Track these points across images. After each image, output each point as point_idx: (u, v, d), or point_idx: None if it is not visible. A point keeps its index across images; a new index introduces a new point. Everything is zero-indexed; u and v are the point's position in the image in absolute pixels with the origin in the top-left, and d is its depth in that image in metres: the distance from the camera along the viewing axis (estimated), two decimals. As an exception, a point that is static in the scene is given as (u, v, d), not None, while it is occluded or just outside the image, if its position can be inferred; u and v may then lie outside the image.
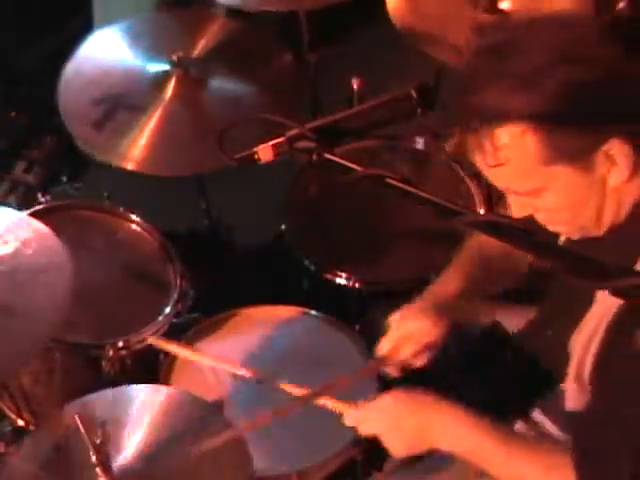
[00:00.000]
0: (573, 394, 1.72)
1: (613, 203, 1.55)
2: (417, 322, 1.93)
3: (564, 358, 1.73)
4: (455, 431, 1.73)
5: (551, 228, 1.63)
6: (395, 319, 1.95)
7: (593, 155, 1.48)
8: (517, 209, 1.58)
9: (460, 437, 1.72)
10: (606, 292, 1.47)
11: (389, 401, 1.81)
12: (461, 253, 2.02)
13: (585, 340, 1.65)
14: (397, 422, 1.77)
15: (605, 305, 1.60)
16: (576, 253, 1.41)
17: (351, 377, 2.04)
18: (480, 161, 1.51)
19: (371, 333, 2.34)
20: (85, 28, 3.33)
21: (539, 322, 1.93)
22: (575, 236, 1.64)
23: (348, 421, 1.86)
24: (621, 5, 2.14)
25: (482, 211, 2.59)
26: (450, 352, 2.03)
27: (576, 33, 1.47)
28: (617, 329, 1.56)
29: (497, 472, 1.72)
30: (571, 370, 1.72)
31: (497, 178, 1.55)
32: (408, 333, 1.93)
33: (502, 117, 1.44)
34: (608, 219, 1.58)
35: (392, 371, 1.98)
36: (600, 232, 1.60)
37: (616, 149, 1.47)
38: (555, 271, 1.62)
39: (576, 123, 1.45)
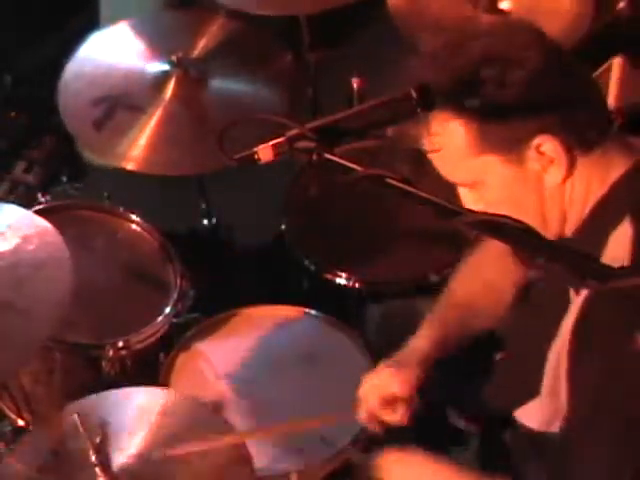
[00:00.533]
0: (545, 408, 1.72)
1: (555, 204, 1.58)
2: (384, 373, 1.92)
3: (538, 371, 1.74)
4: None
5: None
6: (364, 379, 1.95)
7: (523, 149, 1.52)
8: (468, 202, 1.63)
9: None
10: (579, 300, 1.52)
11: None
12: (444, 295, 2.02)
13: (557, 351, 1.65)
14: None
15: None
16: (576, 253, 1.41)
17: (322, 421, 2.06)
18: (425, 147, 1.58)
19: (371, 333, 2.35)
20: (86, 28, 3.34)
21: (519, 333, 1.93)
22: None
23: None
24: (621, 5, 2.15)
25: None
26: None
27: (516, 39, 1.52)
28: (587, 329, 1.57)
29: None
30: (545, 383, 1.72)
31: (438, 166, 1.61)
32: (371, 385, 1.92)
33: (432, 105, 1.48)
34: (554, 222, 1.60)
35: (372, 426, 1.95)
36: (552, 235, 1.61)
37: (547, 146, 1.50)
38: (550, 273, 1.63)
39: (498, 116, 1.49)
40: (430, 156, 1.60)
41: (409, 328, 2.05)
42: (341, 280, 2.48)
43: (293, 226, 2.62)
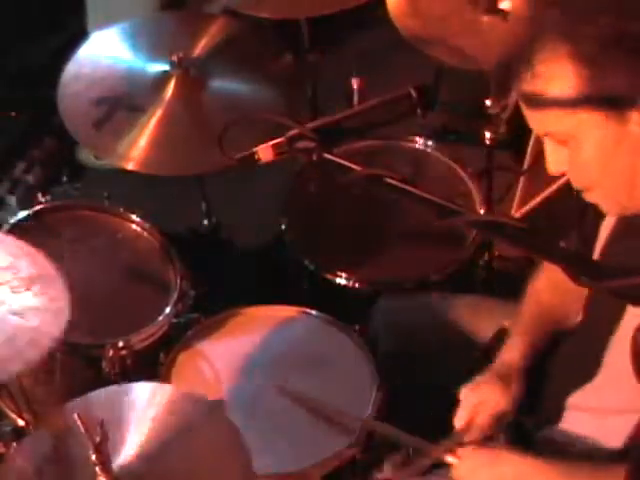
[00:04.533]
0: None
1: None
2: (488, 390, 1.89)
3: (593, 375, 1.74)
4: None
5: (587, 198, 1.61)
6: (466, 391, 1.91)
7: (628, 108, 1.46)
8: (552, 162, 1.58)
9: None
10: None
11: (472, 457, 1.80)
12: (521, 309, 1.99)
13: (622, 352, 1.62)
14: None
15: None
16: (577, 253, 1.41)
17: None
18: (520, 95, 1.52)
19: (371, 333, 2.35)
20: (85, 28, 3.34)
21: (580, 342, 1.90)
22: (612, 210, 1.62)
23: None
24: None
25: (482, 211, 2.59)
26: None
27: None
28: None
29: None
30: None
31: (531, 115, 1.54)
32: (481, 401, 1.88)
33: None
34: None
35: (466, 437, 1.90)
36: (635, 206, 1.57)
37: None
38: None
39: (613, 66, 1.44)
40: (524, 101, 1.53)
41: (410, 327, 2.07)
42: (341, 280, 2.48)
43: (293, 226, 2.62)
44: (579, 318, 1.86)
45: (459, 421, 1.89)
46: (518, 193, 2.92)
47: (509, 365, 1.91)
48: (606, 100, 1.47)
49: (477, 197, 2.65)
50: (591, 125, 1.49)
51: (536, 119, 1.55)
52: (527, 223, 1.52)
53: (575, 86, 1.47)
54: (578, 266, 1.37)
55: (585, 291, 1.80)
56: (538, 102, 1.51)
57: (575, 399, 1.80)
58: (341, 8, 2.63)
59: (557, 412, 1.84)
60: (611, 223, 1.72)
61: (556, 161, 1.58)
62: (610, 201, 1.61)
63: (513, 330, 1.97)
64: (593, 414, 1.77)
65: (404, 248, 2.57)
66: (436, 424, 1.98)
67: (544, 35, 1.49)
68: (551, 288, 1.95)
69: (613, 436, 1.71)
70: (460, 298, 2.29)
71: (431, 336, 2.21)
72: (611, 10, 1.45)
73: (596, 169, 1.53)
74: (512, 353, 1.92)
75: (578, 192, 1.62)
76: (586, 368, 1.76)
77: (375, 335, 2.32)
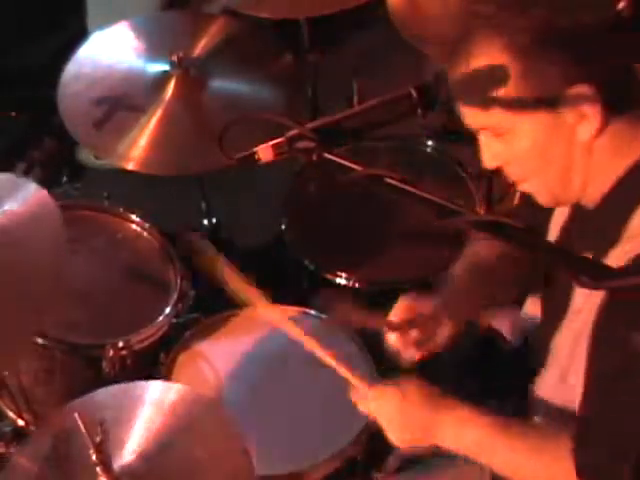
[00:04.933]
0: (555, 394, 1.73)
1: (581, 163, 1.55)
2: (430, 298, 1.91)
3: (543, 358, 1.75)
4: (460, 428, 1.72)
5: (522, 188, 1.65)
6: (406, 295, 1.92)
7: (560, 96, 1.49)
8: (487, 157, 1.60)
9: (464, 434, 1.72)
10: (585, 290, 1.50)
11: (400, 389, 1.78)
12: (462, 260, 2.01)
13: (571, 340, 1.66)
14: (405, 411, 1.76)
15: (588, 302, 1.60)
16: (574, 253, 1.41)
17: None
18: (456, 90, 1.55)
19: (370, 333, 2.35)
20: (85, 28, 3.34)
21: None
22: (548, 201, 1.64)
23: (355, 396, 1.84)
24: (621, 5, 2.14)
25: (482, 211, 2.59)
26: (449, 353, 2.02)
27: None
28: (608, 326, 1.56)
29: (500, 468, 1.73)
30: (553, 370, 1.73)
31: (467, 110, 1.56)
32: (419, 303, 1.89)
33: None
34: (576, 183, 1.57)
35: (407, 355, 1.91)
36: (569, 198, 1.60)
37: (584, 97, 1.48)
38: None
39: (547, 55, 1.46)
40: (459, 96, 1.55)
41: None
42: (341, 280, 2.48)
43: (293, 226, 2.62)
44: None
45: (394, 315, 1.89)
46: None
47: (455, 294, 1.92)
48: (540, 93, 1.49)
49: (477, 197, 2.65)
50: (526, 118, 1.52)
51: (471, 114, 1.57)
52: (527, 223, 1.53)
53: (510, 80, 1.49)
54: (578, 266, 1.37)
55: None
56: (473, 97, 1.53)
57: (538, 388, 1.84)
58: (341, 8, 2.64)
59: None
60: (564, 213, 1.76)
61: (491, 155, 1.60)
62: (544, 192, 1.63)
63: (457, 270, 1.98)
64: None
65: (404, 248, 2.57)
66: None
67: (479, 28, 1.51)
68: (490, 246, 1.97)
69: None
70: None
71: None
72: (543, 3, 1.47)
73: (532, 161, 1.56)
74: (459, 284, 1.94)
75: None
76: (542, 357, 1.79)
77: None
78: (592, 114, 1.50)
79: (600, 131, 1.52)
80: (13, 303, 1.88)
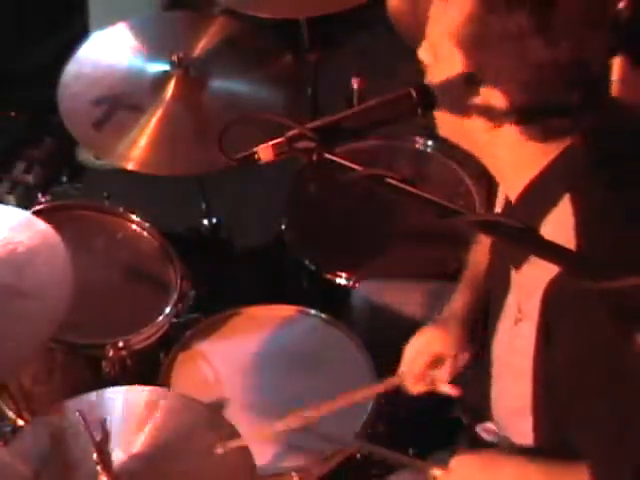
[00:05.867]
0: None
1: (491, 150, 1.60)
2: (427, 334, 1.98)
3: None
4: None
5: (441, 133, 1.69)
6: (412, 339, 2.00)
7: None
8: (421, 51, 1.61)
9: None
10: (521, 277, 1.55)
11: (463, 464, 1.80)
12: (467, 267, 2.05)
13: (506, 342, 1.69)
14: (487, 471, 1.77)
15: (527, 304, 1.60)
16: (573, 253, 1.41)
17: (366, 392, 2.09)
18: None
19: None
20: (85, 28, 3.34)
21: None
22: (466, 146, 1.69)
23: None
24: (621, 5, 2.14)
25: (482, 211, 2.59)
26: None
27: None
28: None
29: None
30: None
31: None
32: (420, 346, 1.98)
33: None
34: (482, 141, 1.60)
35: (419, 389, 2.00)
36: (472, 148, 1.65)
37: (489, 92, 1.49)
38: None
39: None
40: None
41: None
42: (341, 280, 2.48)
43: (293, 226, 2.62)
44: None
45: (403, 366, 1.98)
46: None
47: (451, 312, 1.99)
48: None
49: (477, 197, 2.66)
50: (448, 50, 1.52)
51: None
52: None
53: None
54: (578, 266, 1.37)
55: None
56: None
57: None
58: (341, 8, 2.64)
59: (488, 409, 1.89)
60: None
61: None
62: (464, 141, 1.69)
63: (462, 282, 2.03)
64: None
65: (404, 248, 2.57)
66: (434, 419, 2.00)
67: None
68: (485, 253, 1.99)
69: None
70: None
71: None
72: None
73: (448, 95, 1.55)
74: (455, 303, 2.00)
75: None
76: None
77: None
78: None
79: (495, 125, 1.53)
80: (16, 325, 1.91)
